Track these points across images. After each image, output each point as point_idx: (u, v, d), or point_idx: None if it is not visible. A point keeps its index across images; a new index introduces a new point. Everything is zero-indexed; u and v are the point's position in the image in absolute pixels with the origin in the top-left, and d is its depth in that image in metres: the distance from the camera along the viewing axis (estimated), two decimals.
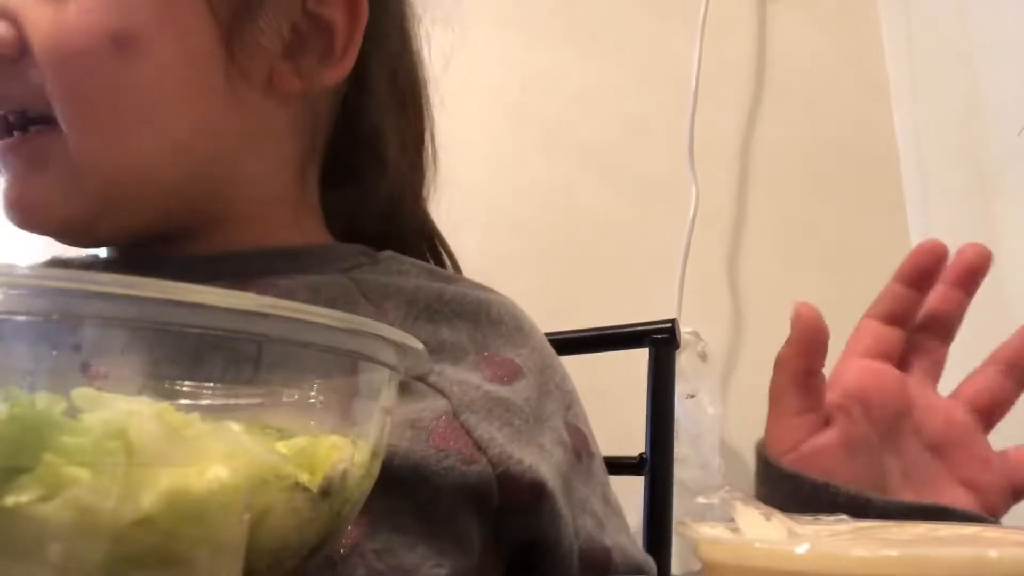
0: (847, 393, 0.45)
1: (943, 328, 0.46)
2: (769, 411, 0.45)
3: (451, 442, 0.45)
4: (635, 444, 0.85)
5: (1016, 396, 0.44)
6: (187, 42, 0.48)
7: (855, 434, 0.43)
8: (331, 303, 0.51)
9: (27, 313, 0.26)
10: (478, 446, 0.46)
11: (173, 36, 0.47)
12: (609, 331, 0.92)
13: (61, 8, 0.46)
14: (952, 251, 0.46)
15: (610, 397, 1.01)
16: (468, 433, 0.46)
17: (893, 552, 0.23)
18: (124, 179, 0.48)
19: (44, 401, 0.26)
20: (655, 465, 0.84)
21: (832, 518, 0.32)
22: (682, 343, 1.05)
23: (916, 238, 1.29)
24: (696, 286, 1.32)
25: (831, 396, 0.45)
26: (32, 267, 0.26)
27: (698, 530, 0.29)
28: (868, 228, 1.34)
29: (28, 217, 0.50)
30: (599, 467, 0.56)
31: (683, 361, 1.19)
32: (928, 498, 0.42)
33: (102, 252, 0.58)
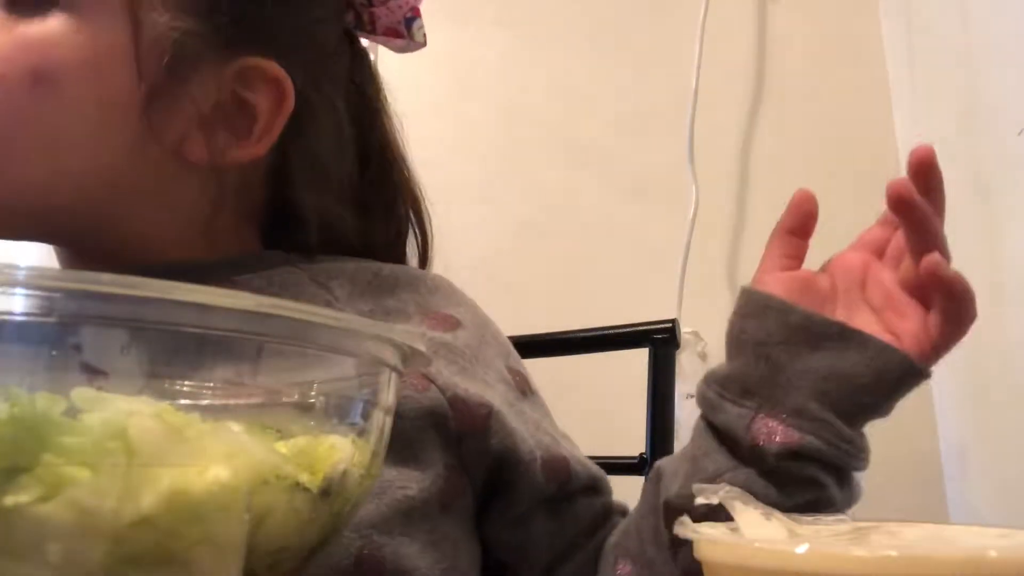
0: (824, 267, 0.57)
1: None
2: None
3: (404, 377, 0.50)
4: (635, 444, 0.85)
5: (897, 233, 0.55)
6: (102, 89, 0.52)
7: (813, 282, 0.54)
8: (284, 288, 0.54)
9: (27, 313, 0.26)
10: (427, 378, 0.52)
11: (89, 81, 0.52)
12: (609, 331, 0.91)
13: None
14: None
15: (610, 397, 1.00)
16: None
17: (893, 552, 0.23)
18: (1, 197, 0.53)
19: (44, 401, 0.25)
20: None
21: (832, 518, 0.32)
22: (682, 343, 1.04)
23: None
24: (696, 286, 1.32)
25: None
26: (32, 267, 0.26)
27: (698, 530, 0.29)
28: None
29: None
30: (543, 403, 0.62)
31: (683, 361, 1.19)
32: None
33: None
